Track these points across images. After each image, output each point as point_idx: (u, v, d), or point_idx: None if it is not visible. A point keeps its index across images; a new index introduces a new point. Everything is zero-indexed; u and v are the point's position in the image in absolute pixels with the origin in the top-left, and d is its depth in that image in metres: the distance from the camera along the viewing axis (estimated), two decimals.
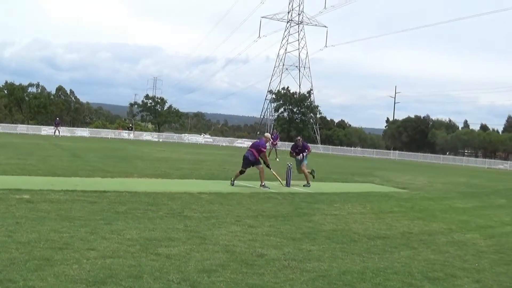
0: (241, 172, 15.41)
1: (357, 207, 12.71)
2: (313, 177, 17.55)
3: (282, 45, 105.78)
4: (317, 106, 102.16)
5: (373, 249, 8.04)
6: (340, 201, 13.49)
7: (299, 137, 19.30)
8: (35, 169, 15.40)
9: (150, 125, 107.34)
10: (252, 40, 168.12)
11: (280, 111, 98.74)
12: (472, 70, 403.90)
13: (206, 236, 7.74)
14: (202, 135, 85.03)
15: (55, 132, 55.44)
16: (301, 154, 17.61)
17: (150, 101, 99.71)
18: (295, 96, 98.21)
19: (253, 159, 15.42)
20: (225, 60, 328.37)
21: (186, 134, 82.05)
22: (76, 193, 10.79)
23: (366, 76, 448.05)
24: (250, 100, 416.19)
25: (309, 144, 19.81)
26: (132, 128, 74.27)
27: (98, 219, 8.19)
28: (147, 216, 8.86)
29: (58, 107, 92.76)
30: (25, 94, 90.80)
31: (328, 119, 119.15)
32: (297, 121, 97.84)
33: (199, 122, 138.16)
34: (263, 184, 15.17)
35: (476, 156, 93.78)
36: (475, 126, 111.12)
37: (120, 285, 5.10)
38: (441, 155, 79.76)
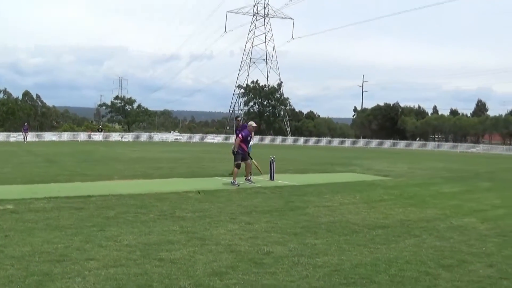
0: (238, 167, 15.02)
1: (347, 197, 12.65)
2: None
3: (248, 38, 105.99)
4: (287, 99, 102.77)
5: (377, 239, 7.95)
6: (329, 192, 13.42)
7: (238, 116, 18.76)
8: (12, 177, 14.99)
9: (117, 126, 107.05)
10: (219, 35, 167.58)
11: (250, 105, 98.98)
12: (436, 57, 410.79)
13: (205, 236, 7.52)
14: (171, 133, 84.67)
15: (25, 138, 54.50)
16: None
17: (119, 101, 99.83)
18: (264, 89, 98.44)
19: (242, 152, 15.17)
20: (190, 57, 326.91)
21: (156, 133, 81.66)
22: (60, 199, 10.44)
23: (331, 66, 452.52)
24: (216, 96, 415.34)
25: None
26: (101, 130, 73.66)
27: (90, 226, 7.88)
28: (139, 220, 8.59)
29: (25, 112, 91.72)
30: None
31: (297, 110, 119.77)
32: (267, 114, 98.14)
33: (167, 120, 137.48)
34: (249, 178, 15.03)
35: (447, 141, 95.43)
36: (444, 112, 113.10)
37: None
38: (413, 141, 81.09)
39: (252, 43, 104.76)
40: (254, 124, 16.03)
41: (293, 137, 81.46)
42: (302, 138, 79.60)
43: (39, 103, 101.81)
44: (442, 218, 10.19)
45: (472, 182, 18.47)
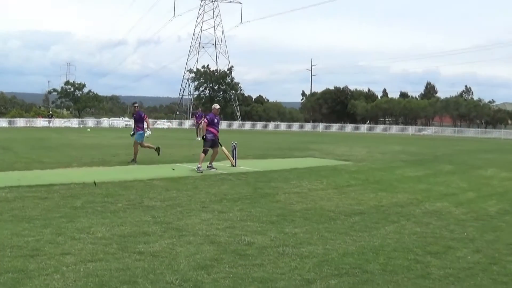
0: (205, 152, 14.72)
1: (314, 183, 12.60)
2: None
3: (197, 23, 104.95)
4: (238, 83, 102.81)
5: (356, 226, 7.90)
6: (295, 178, 13.34)
7: (136, 103, 18.52)
8: None
9: (65, 111, 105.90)
10: (167, 20, 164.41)
11: (201, 89, 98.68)
12: (384, 40, 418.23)
13: (181, 227, 7.26)
14: (121, 118, 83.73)
15: None
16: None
17: (69, 86, 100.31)
18: (215, 74, 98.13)
19: (213, 137, 14.94)
20: (138, 42, 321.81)
21: (105, 118, 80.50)
22: (22, 188, 10.02)
23: (279, 51, 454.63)
24: (164, 81, 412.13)
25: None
26: (52, 116, 72.19)
27: (58, 217, 7.51)
28: (109, 210, 8.25)
29: None
30: None
31: (246, 95, 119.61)
32: (218, 98, 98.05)
33: (115, 106, 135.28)
34: (210, 165, 14.79)
35: (397, 124, 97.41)
36: (394, 95, 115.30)
37: None
38: (364, 125, 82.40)
39: (201, 27, 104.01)
40: (218, 106, 15.77)
41: (243, 122, 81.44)
42: (254, 122, 79.64)
43: None
44: (415, 203, 10.27)
45: (433, 165, 18.80)
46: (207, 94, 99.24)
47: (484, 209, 9.87)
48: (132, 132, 16.83)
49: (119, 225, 7.17)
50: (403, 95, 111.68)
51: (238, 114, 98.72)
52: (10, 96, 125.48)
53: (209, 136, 14.85)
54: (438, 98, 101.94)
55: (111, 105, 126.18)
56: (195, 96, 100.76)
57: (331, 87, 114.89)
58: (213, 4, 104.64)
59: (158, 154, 16.95)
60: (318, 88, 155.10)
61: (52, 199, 9.01)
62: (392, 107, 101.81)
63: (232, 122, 78.66)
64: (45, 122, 65.38)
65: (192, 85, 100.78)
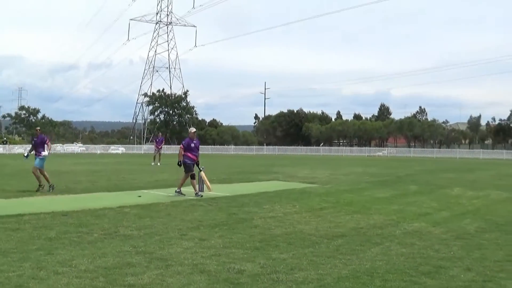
0: (193, 177, 14.73)
1: (287, 207, 12.56)
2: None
3: (151, 47, 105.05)
4: (193, 107, 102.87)
5: (342, 249, 7.87)
6: (266, 202, 13.27)
7: (38, 126, 18.39)
8: None
9: (17, 137, 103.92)
10: (121, 44, 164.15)
11: (156, 114, 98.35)
12: (333, 63, 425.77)
13: (164, 256, 7.05)
14: (75, 144, 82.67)
15: None
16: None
17: (24, 112, 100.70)
18: (171, 98, 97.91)
19: (191, 162, 14.82)
20: (89, 66, 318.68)
21: (59, 144, 79.13)
22: None
23: (231, 74, 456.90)
24: (115, 106, 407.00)
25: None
26: (6, 142, 70.28)
27: (35, 250, 7.16)
28: (86, 240, 7.95)
29: None
30: None
31: (200, 119, 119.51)
32: (173, 123, 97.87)
33: (67, 131, 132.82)
34: (179, 190, 14.59)
35: (351, 145, 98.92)
36: (347, 117, 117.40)
37: None
38: (319, 147, 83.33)
39: (155, 51, 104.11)
40: (193, 130, 15.63)
41: None
42: (210, 146, 79.52)
43: None
44: (393, 224, 10.35)
45: (399, 186, 19.08)
46: (162, 118, 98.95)
47: (462, 228, 10.03)
48: (27, 154, 16.40)
49: (101, 256, 6.90)
50: (357, 117, 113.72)
51: None
52: None
53: (188, 161, 14.71)
54: (393, 120, 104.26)
55: (63, 131, 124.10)
56: (150, 120, 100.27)
57: (284, 110, 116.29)
58: (167, 27, 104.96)
59: (37, 190, 15.14)
60: (271, 111, 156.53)
61: (25, 230, 8.64)
62: (346, 129, 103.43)
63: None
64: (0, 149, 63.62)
65: (147, 109, 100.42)
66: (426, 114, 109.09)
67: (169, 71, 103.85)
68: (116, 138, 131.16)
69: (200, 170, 15.22)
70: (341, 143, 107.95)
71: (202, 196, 14.26)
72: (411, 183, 20.27)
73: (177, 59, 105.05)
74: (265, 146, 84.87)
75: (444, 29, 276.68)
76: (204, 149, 74.32)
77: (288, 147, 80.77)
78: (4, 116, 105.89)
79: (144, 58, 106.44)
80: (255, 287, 5.76)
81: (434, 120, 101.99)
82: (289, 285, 5.87)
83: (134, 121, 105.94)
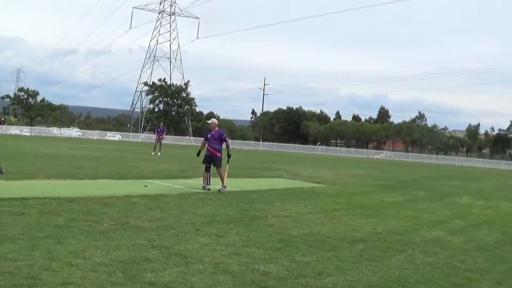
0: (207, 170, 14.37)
1: (299, 206, 12.33)
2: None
3: (153, 36, 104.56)
4: (193, 98, 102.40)
5: (365, 255, 7.64)
6: (277, 200, 13.05)
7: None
8: None
9: (12, 118, 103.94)
10: (123, 31, 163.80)
11: (156, 103, 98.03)
12: (332, 63, 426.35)
13: (182, 252, 6.78)
14: (71, 128, 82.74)
15: None
16: None
17: (23, 93, 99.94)
18: (171, 88, 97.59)
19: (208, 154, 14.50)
20: (88, 52, 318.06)
21: (55, 128, 79.08)
22: None
23: (230, 68, 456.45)
24: (113, 93, 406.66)
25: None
26: (3, 122, 69.98)
27: (44, 237, 6.87)
28: (96, 230, 7.66)
29: None
30: None
31: (197, 111, 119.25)
32: (172, 113, 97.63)
33: (63, 115, 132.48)
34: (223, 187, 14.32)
35: (348, 146, 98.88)
36: (346, 117, 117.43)
37: None
38: (316, 146, 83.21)
39: (157, 40, 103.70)
40: (210, 121, 15.17)
41: (195, 138, 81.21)
42: None
43: None
44: (411, 231, 10.14)
45: (406, 191, 18.89)
46: (162, 108, 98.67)
47: (482, 239, 9.84)
48: None
49: (115, 248, 6.61)
50: (356, 118, 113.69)
51: (190, 130, 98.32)
52: None
53: (206, 153, 14.49)
54: (392, 123, 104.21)
55: (60, 115, 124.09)
56: (149, 109, 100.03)
57: (282, 107, 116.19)
58: (170, 17, 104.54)
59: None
60: (268, 107, 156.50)
61: (30, 215, 8.33)
62: (345, 130, 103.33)
63: (185, 137, 78.52)
64: None
65: (146, 98, 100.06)
66: (426, 119, 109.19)
67: (170, 62, 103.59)
68: (112, 125, 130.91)
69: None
70: (338, 144, 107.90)
71: (209, 189, 14.00)
72: (418, 189, 20.08)
73: (178, 49, 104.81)
74: (261, 142, 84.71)
75: (445, 35, 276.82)
76: (200, 142, 74.05)
77: (287, 144, 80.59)
78: (3, 97, 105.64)
79: (144, 47, 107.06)
80: None
81: (434, 126, 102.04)
82: None
83: (132, 109, 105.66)
